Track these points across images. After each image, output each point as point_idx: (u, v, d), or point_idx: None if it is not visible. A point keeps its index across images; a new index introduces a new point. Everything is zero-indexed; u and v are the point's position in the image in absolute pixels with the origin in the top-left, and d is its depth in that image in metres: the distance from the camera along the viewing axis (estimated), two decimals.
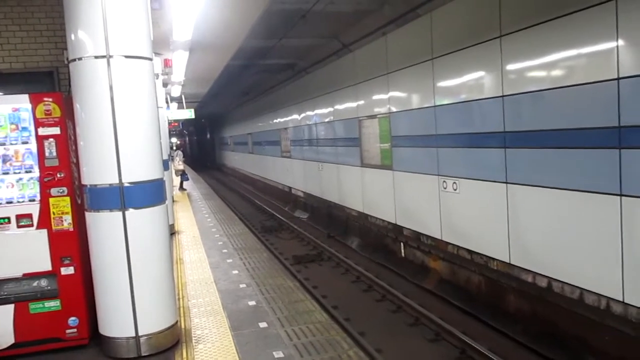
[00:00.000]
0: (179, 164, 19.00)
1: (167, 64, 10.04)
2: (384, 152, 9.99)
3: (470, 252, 7.39)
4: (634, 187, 4.74)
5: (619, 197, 4.90)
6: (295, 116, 16.64)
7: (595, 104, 5.08)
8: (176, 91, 16.12)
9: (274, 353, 4.12)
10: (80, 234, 4.37)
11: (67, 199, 4.37)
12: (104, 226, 4.12)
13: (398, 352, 6.08)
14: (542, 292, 6.01)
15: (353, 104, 11.41)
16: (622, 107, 4.77)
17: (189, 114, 18.07)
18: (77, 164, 4.32)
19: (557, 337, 5.81)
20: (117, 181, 4.03)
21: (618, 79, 4.80)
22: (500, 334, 6.37)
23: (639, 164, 4.68)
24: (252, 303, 5.45)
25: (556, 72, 5.61)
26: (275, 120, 19.58)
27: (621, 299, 4.96)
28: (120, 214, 4.06)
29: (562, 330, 5.77)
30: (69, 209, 4.38)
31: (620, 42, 4.75)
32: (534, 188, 6.00)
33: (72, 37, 4.03)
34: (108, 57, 3.95)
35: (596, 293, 5.27)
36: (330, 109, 13.06)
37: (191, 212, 12.90)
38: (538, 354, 5.79)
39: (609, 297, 5.11)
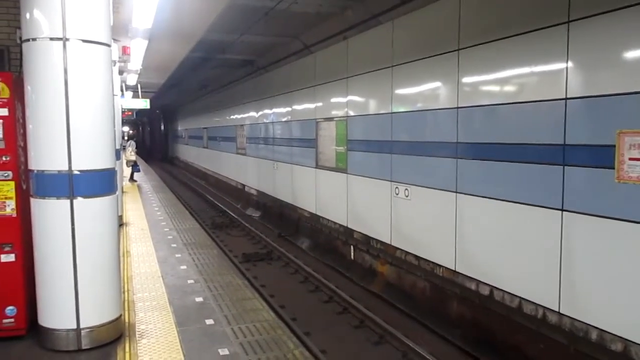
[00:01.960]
0: (130, 154, 18.57)
1: (125, 51, 9.80)
2: (340, 155, 10.08)
3: (417, 257, 7.56)
4: (575, 202, 4.97)
5: (560, 211, 5.13)
6: (252, 113, 16.54)
7: (543, 122, 5.30)
8: (132, 80, 15.74)
9: (219, 350, 4.10)
10: (23, 221, 4.22)
11: (12, 183, 4.21)
12: (49, 214, 3.99)
13: (342, 353, 6.14)
14: (484, 299, 6.21)
15: (311, 106, 11.45)
16: (568, 126, 5.00)
17: (143, 103, 17.68)
18: (25, 148, 4.17)
19: (495, 343, 6.01)
20: (66, 168, 3.92)
21: (566, 99, 5.03)
22: (442, 339, 6.53)
23: (581, 181, 4.92)
24: (199, 299, 5.39)
25: (509, 88, 5.82)
26: (232, 117, 19.40)
27: (557, 309, 5.19)
28: (67, 202, 3.94)
29: (501, 337, 5.97)
30: (12, 194, 4.21)
31: (570, 64, 4.97)
32: (482, 199, 6.20)
33: (27, 16, 3.89)
34: (64, 39, 3.84)
35: (534, 302, 5.49)
36: (288, 109, 13.06)
37: (141, 204, 12.62)
38: (472, 356, 5.97)
39: (546, 307, 5.33)
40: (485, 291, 6.20)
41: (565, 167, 5.06)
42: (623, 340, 4.53)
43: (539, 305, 5.43)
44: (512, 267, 5.81)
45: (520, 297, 5.68)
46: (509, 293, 5.83)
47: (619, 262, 4.58)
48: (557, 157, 5.12)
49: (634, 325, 4.45)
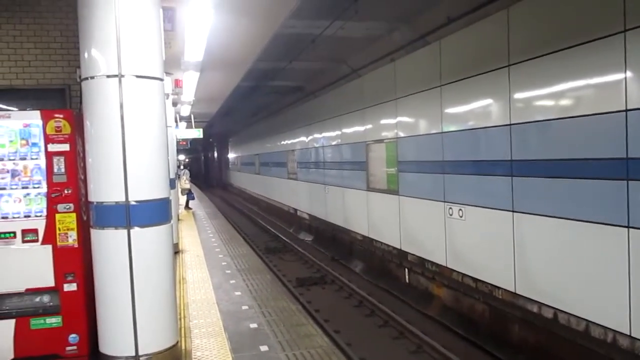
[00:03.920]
0: (185, 182, 19.07)
1: (177, 84, 10.15)
2: (390, 177, 9.99)
3: (475, 280, 7.33)
4: None
5: (626, 229, 4.86)
6: (302, 138, 16.71)
7: (603, 135, 5.08)
8: (185, 110, 16.26)
9: None
10: (84, 251, 4.38)
11: (73, 215, 4.38)
12: (108, 243, 4.12)
13: None
14: (548, 323, 5.93)
15: (361, 128, 11.46)
16: (630, 139, 4.77)
17: (197, 133, 18.18)
18: (85, 181, 4.35)
19: None
20: (123, 199, 4.05)
21: (626, 110, 4.81)
22: None
23: None
24: (253, 325, 5.41)
25: (563, 102, 5.62)
26: (282, 142, 19.66)
27: (628, 333, 4.89)
28: (125, 232, 4.06)
29: None
30: (74, 225, 4.38)
31: (629, 74, 4.77)
32: (541, 217, 5.97)
33: (86, 55, 4.09)
34: (120, 76, 4.00)
35: (603, 326, 5.19)
36: (338, 132, 13.12)
37: (196, 231, 12.89)
38: None
39: (616, 331, 5.03)
40: (548, 314, 5.92)
41: (630, 181, 4.81)
42: None
43: (607, 328, 5.14)
44: (576, 289, 5.53)
45: (587, 320, 5.39)
46: (575, 316, 5.55)
47: None
48: (620, 172, 4.88)
49: None
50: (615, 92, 4.91)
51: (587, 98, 5.32)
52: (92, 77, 4.06)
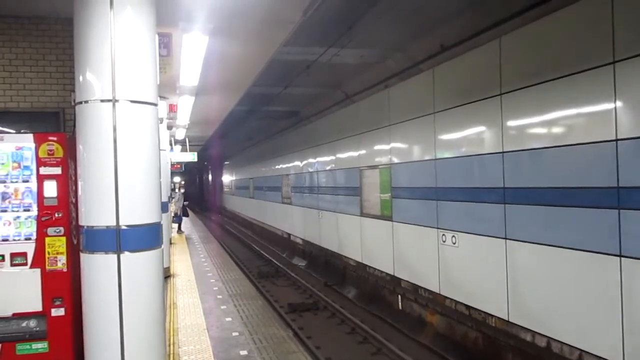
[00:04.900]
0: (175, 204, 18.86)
1: (172, 109, 10.19)
2: (384, 203, 10.00)
3: (468, 307, 7.28)
4: (634, 248, 4.71)
5: (618, 257, 4.87)
6: (297, 163, 16.75)
7: (594, 164, 5.12)
8: (180, 134, 16.29)
9: None
10: (73, 275, 4.33)
11: (63, 239, 4.36)
12: (98, 268, 4.07)
13: None
14: (541, 351, 5.88)
15: (354, 154, 11.50)
16: (621, 168, 4.81)
17: (191, 156, 18.20)
18: (76, 204, 4.32)
19: None
20: (114, 223, 4.01)
21: (616, 140, 4.86)
22: None
23: (638, 225, 4.67)
24: (243, 352, 5.33)
25: (555, 131, 5.68)
26: (277, 166, 19.70)
27: None
28: (115, 256, 4.02)
29: None
30: (64, 249, 4.35)
31: (619, 104, 4.83)
32: (534, 245, 5.97)
33: (80, 79, 4.10)
34: (114, 101, 4.00)
35: (595, 355, 5.15)
36: (332, 158, 13.16)
37: (188, 255, 12.80)
38: None
39: None
40: (542, 343, 5.88)
41: (621, 210, 4.83)
42: None
43: (600, 358, 5.09)
44: (569, 317, 5.51)
45: (580, 349, 5.35)
46: (568, 345, 5.51)
47: None
48: (611, 200, 4.91)
49: None
50: (605, 121, 4.96)
51: (579, 127, 5.37)
52: (87, 102, 4.07)
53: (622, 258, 4.83)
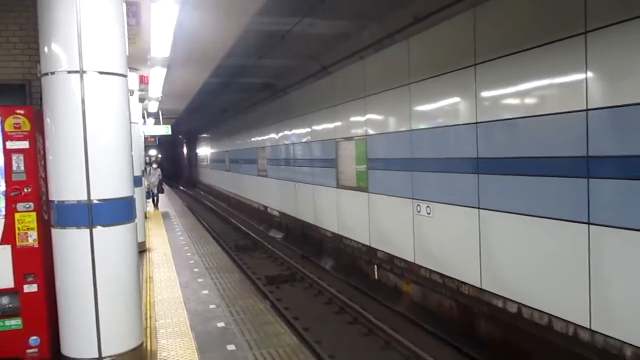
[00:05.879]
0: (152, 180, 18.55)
1: (143, 80, 9.97)
2: (360, 174, 10.04)
3: (442, 276, 7.42)
4: (601, 215, 4.83)
5: (587, 225, 4.99)
6: (272, 135, 16.65)
7: (565, 134, 5.19)
8: (153, 107, 16.02)
9: None
10: (45, 251, 4.26)
11: (34, 214, 4.27)
12: (70, 243, 4.02)
13: None
14: (512, 317, 6.04)
15: (330, 125, 11.47)
16: (591, 138, 4.89)
17: (165, 130, 17.94)
18: (46, 179, 4.23)
19: None
20: (85, 198, 3.95)
21: (587, 110, 4.92)
22: (470, 359, 6.37)
23: (607, 193, 4.78)
24: (221, 324, 5.36)
25: (527, 101, 5.73)
26: (252, 139, 19.56)
27: (588, 326, 5.02)
28: (87, 231, 3.96)
29: (530, 355, 5.80)
30: (34, 224, 4.27)
31: (590, 74, 4.88)
32: (506, 214, 6.08)
33: (46, 50, 3.98)
34: (81, 72, 3.89)
35: (564, 320, 5.32)
36: (308, 130, 13.11)
37: (164, 230, 12.72)
38: None
39: (577, 324, 5.16)
40: (513, 309, 6.04)
41: (590, 179, 4.93)
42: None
43: (569, 322, 5.26)
44: (539, 284, 5.65)
45: (549, 314, 5.51)
46: (538, 310, 5.67)
47: None
48: (581, 170, 5.00)
49: None
50: (576, 92, 5.02)
51: (551, 97, 5.43)
52: (53, 73, 3.95)
53: (591, 225, 4.95)
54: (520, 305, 5.93)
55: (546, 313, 5.55)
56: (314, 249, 12.69)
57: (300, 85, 13.22)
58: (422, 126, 7.81)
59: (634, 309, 4.58)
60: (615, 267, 4.75)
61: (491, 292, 6.41)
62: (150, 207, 17.04)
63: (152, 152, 30.23)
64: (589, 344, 5.01)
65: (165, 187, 23.53)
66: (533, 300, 5.74)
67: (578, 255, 5.08)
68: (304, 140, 13.55)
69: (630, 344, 4.61)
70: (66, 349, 4.11)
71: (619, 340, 4.71)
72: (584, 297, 5.03)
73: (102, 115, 4.00)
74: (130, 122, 4.39)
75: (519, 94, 5.85)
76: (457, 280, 7.07)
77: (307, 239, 13.45)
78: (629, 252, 4.60)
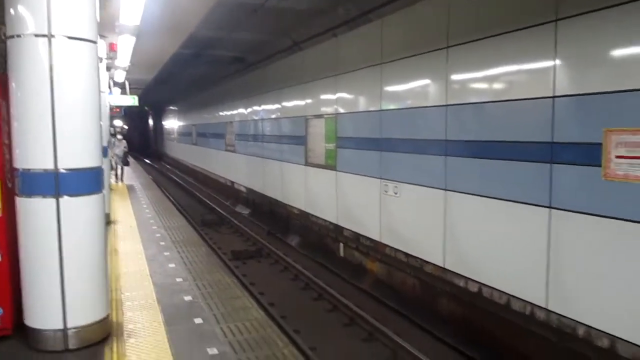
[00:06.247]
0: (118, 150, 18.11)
1: (112, 48, 9.70)
2: (329, 153, 10.07)
3: (407, 255, 7.57)
4: (562, 200, 5.00)
5: (548, 209, 5.15)
6: (241, 110, 16.49)
7: (532, 120, 5.32)
8: (120, 76, 15.59)
9: (208, 350, 4.07)
10: (9, 220, 4.16)
11: None
12: (35, 213, 3.94)
13: (332, 350, 6.14)
14: (473, 297, 6.23)
15: (301, 102, 11.43)
16: (556, 124, 5.03)
17: (132, 100, 17.49)
18: (9, 146, 4.12)
19: (483, 339, 6.04)
20: (52, 166, 3.87)
21: (554, 97, 5.05)
22: (432, 336, 6.55)
23: (568, 179, 4.94)
24: (187, 298, 5.36)
25: (497, 86, 5.84)
26: (221, 113, 19.33)
27: (545, 306, 5.23)
28: (53, 200, 3.90)
29: (490, 333, 6.01)
30: None
31: (558, 62, 4.99)
32: (471, 196, 6.22)
33: (12, 11, 3.83)
34: (50, 36, 3.78)
35: (523, 299, 5.52)
36: (278, 106, 13.03)
37: (129, 202, 12.54)
38: (466, 355, 6.00)
39: (534, 304, 5.36)
40: (474, 288, 6.22)
41: (553, 164, 5.09)
42: (609, 336, 4.57)
43: (527, 302, 5.46)
44: (500, 264, 5.83)
45: (508, 295, 5.71)
46: (498, 290, 5.86)
47: (605, 259, 4.61)
48: (545, 155, 5.15)
49: (623, 320, 4.50)
50: (545, 78, 5.13)
51: (519, 83, 5.54)
52: (19, 36, 3.82)
53: (552, 209, 5.12)
54: (481, 284, 6.11)
55: (505, 293, 5.74)
56: (281, 225, 12.73)
57: (271, 60, 13.08)
58: (392, 107, 7.86)
59: (587, 290, 4.79)
60: (572, 250, 4.94)
61: (453, 272, 6.58)
62: (113, 179, 16.71)
63: (118, 122, 29.43)
64: (545, 323, 5.22)
65: (131, 159, 23.09)
66: (493, 280, 5.92)
67: (539, 238, 5.26)
68: (273, 116, 13.47)
69: (583, 323, 4.83)
70: (30, 320, 4.06)
71: (573, 320, 4.93)
72: (542, 278, 5.23)
73: (71, 83, 3.90)
74: (100, 91, 4.30)
75: (489, 78, 5.95)
76: (421, 260, 7.23)
77: (274, 215, 13.47)
78: (585, 236, 4.79)
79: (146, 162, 35.50)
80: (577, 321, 4.89)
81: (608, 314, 4.62)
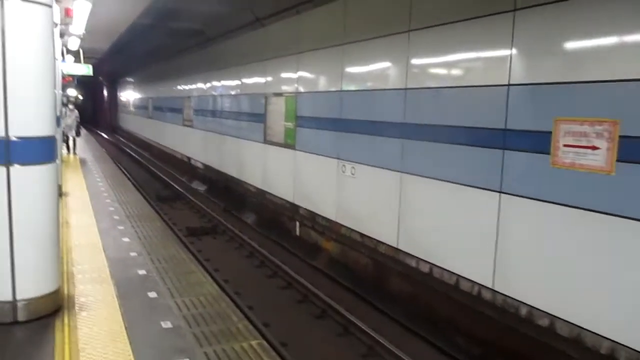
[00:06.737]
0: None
1: (68, 13, 9.31)
2: (288, 131, 10.07)
3: (362, 235, 7.71)
4: (512, 185, 5.20)
5: (498, 193, 5.35)
6: (200, 85, 16.21)
7: (487, 106, 5.48)
8: (74, 44, 15.01)
9: (162, 323, 4.08)
10: None
11: None
12: None
13: (285, 326, 6.23)
14: (424, 277, 6.43)
15: (261, 80, 11.34)
16: (510, 112, 5.19)
17: (86, 70, 16.89)
18: None
19: (432, 318, 6.26)
20: (2, 134, 3.75)
21: (509, 85, 5.21)
22: (384, 314, 6.73)
23: (518, 165, 5.14)
24: (142, 272, 5.32)
25: (455, 72, 5.96)
26: (179, 87, 18.95)
27: (491, 286, 5.45)
28: (4, 169, 3.78)
29: (438, 312, 6.22)
30: None
31: (514, 51, 5.14)
32: (425, 179, 6.38)
33: None
34: None
35: (471, 280, 5.74)
36: (238, 82, 12.89)
37: (81, 175, 12.21)
38: (414, 332, 6.20)
39: (481, 284, 5.59)
40: (425, 269, 6.41)
41: (505, 151, 5.26)
42: (549, 316, 4.82)
43: (475, 282, 5.68)
44: (450, 246, 6.03)
45: (457, 275, 5.92)
46: (448, 271, 6.06)
47: (551, 243, 4.84)
48: (498, 141, 5.32)
49: (564, 301, 4.75)
50: (500, 66, 5.28)
51: (476, 70, 5.68)
52: None
53: (502, 194, 5.32)
54: (432, 265, 6.30)
55: (455, 273, 5.95)
56: (237, 202, 12.70)
57: (232, 35, 12.88)
58: (352, 88, 7.92)
59: (532, 272, 5.03)
60: (518, 233, 5.16)
61: (406, 252, 6.76)
62: (65, 150, 16.19)
63: (72, 92, 28.33)
64: (491, 303, 5.45)
65: (83, 131, 22.39)
66: (444, 261, 6.12)
67: (488, 221, 5.46)
68: (233, 92, 13.32)
69: (525, 303, 5.07)
70: None
71: (516, 300, 5.17)
72: (490, 260, 5.44)
73: (23, 47, 3.77)
74: (55, 58, 4.17)
75: (448, 64, 6.07)
76: (375, 240, 7.38)
77: (230, 192, 13.41)
78: (532, 221, 5.01)
79: (99, 134, 34.52)
80: (521, 301, 5.13)
81: (550, 294, 4.86)
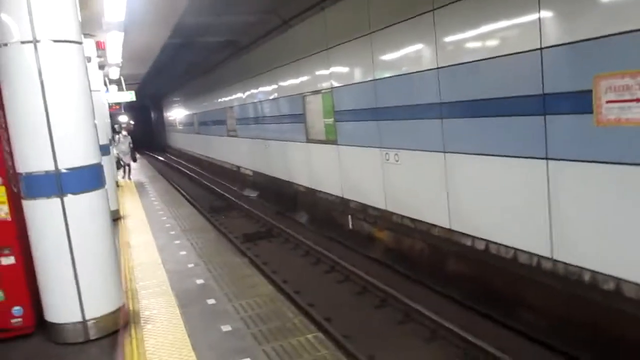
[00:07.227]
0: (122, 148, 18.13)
1: (100, 46, 9.73)
2: (328, 127, 10.12)
3: (413, 220, 7.67)
4: (558, 150, 5.05)
5: (545, 160, 5.21)
6: (239, 94, 16.50)
7: (522, 73, 5.33)
8: (114, 73, 15.64)
9: (222, 327, 4.22)
10: (18, 223, 4.30)
11: (2, 188, 4.28)
12: (42, 214, 4.08)
13: (346, 318, 6.28)
14: (480, 254, 6.33)
15: (296, 80, 11.44)
16: (545, 76, 5.04)
17: (129, 96, 17.53)
18: (11, 152, 4.23)
19: (494, 295, 6.16)
20: (53, 168, 3.98)
21: (541, 48, 5.06)
22: (443, 296, 6.68)
23: (562, 129, 4.98)
24: (200, 281, 5.51)
25: (485, 44, 5.84)
26: (219, 99, 19.35)
27: (550, 256, 5.32)
28: (58, 200, 4.02)
29: (498, 287, 6.12)
30: (4, 198, 4.29)
31: (542, 14, 4.99)
32: (469, 156, 6.28)
33: None
34: (35, 41, 3.86)
35: (528, 252, 5.61)
36: (274, 86, 13.05)
37: (137, 197, 12.71)
38: (478, 312, 6.12)
39: (540, 255, 5.45)
40: (481, 246, 6.32)
41: (547, 116, 5.12)
42: (615, 279, 4.66)
43: (532, 254, 5.55)
44: (504, 220, 5.91)
45: (514, 248, 5.80)
46: (504, 245, 5.95)
47: (604, 203, 4.68)
48: (538, 107, 5.18)
49: (627, 262, 4.59)
50: (531, 31, 5.14)
51: (507, 38, 5.54)
52: (6, 44, 3.90)
53: (549, 160, 5.17)
54: (488, 242, 6.20)
55: (511, 247, 5.83)
56: (289, 204, 12.85)
57: (263, 41, 13.05)
58: (385, 75, 7.88)
59: (590, 236, 4.87)
60: (572, 198, 5.01)
61: (460, 232, 6.67)
62: (121, 176, 16.85)
63: (123, 118, 29.39)
64: (551, 272, 5.32)
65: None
66: (498, 236, 6.01)
67: (539, 191, 5.32)
68: (271, 97, 13.49)
69: (588, 269, 4.92)
70: (50, 316, 4.23)
71: (578, 267, 5.02)
72: (546, 229, 5.31)
73: (61, 84, 4.00)
74: (91, 90, 4.38)
75: (477, 37, 5.95)
76: (428, 223, 7.32)
77: (281, 195, 13.59)
78: (583, 183, 4.85)
79: (150, 156, 35.69)
80: (582, 267, 4.98)
81: (612, 257, 4.70)
